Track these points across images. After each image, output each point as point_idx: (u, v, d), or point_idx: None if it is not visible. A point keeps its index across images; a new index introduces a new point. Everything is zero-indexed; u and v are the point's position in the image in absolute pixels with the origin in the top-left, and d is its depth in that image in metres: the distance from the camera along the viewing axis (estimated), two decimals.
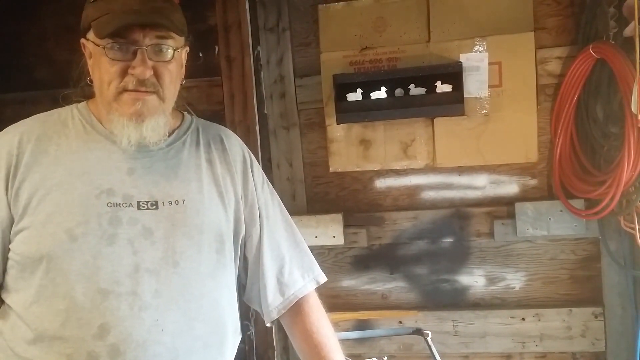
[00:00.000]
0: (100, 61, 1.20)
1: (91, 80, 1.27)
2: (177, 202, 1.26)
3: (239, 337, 1.39)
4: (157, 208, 1.24)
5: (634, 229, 2.04)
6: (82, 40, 1.26)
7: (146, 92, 1.20)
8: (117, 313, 1.16)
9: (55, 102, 1.34)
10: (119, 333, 1.16)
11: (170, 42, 1.21)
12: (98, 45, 1.19)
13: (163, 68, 1.21)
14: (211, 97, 2.56)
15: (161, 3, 1.21)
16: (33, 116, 1.31)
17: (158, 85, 1.21)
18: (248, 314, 2.45)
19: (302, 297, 1.41)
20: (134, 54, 1.18)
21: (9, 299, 1.24)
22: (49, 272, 1.17)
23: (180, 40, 1.26)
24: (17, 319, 1.21)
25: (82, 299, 1.16)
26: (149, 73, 1.18)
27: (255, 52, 2.52)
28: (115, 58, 1.18)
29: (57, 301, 1.17)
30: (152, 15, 1.18)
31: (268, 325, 1.46)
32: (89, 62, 1.26)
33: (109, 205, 1.21)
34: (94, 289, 1.17)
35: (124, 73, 1.18)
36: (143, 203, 1.23)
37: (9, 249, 1.22)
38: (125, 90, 1.19)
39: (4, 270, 1.24)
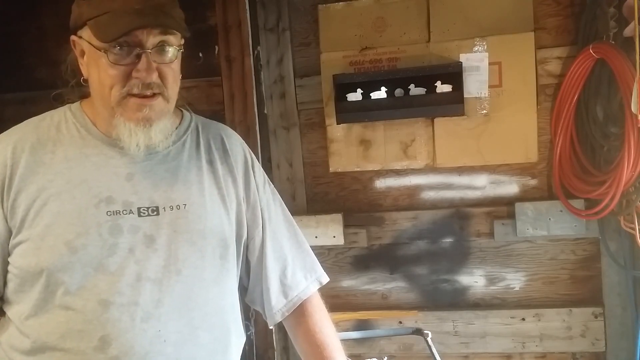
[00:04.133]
0: (99, 63, 1.14)
1: (85, 80, 1.21)
2: (178, 207, 1.21)
3: (243, 339, 1.36)
4: (158, 214, 1.19)
5: (634, 229, 2.04)
6: (73, 38, 1.20)
7: (152, 95, 1.15)
8: (119, 325, 1.13)
9: (55, 102, 1.30)
10: (121, 345, 1.13)
11: (172, 40, 1.16)
12: (96, 47, 1.13)
13: (167, 68, 1.16)
14: (211, 97, 2.55)
15: None
16: (25, 122, 1.25)
17: (163, 87, 1.16)
18: (248, 315, 2.44)
19: (305, 298, 1.39)
20: (137, 56, 1.12)
21: (9, 311, 1.21)
22: (49, 286, 1.14)
23: (180, 37, 1.19)
24: (16, 330, 1.18)
25: (83, 311, 1.13)
26: (155, 76, 1.13)
27: (255, 52, 2.51)
28: (118, 62, 1.12)
29: (57, 314, 1.14)
30: (156, 15, 1.11)
31: (271, 327, 1.45)
32: (82, 61, 1.20)
33: (109, 213, 1.16)
34: (95, 300, 1.13)
35: (127, 76, 1.13)
36: (144, 209, 1.19)
37: (8, 262, 1.19)
38: (129, 94, 1.14)
39: (4, 283, 1.21)
